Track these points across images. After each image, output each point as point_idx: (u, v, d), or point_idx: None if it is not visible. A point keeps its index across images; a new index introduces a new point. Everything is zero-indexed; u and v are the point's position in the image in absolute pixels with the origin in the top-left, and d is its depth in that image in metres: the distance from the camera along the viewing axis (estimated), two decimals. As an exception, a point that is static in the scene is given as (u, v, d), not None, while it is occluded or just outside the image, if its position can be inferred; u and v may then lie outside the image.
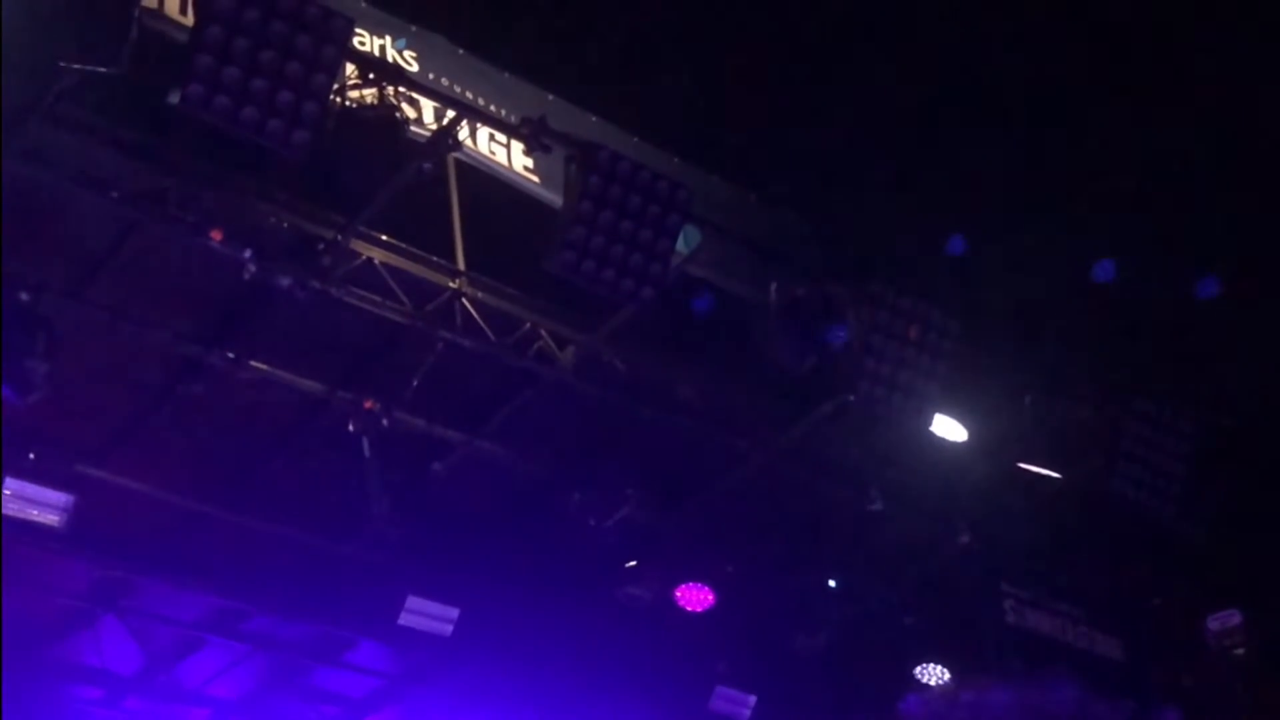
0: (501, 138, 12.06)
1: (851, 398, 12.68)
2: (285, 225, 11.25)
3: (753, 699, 15.78)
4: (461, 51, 12.03)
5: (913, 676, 15.51)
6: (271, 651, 15.68)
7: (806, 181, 13.13)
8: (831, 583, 14.92)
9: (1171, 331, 14.11)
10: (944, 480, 14.00)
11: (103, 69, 9.83)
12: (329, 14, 10.05)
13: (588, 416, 13.32)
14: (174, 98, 9.78)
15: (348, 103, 10.70)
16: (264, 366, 12.19)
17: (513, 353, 12.37)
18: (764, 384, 13.27)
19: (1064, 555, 15.26)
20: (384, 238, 11.79)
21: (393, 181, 11.07)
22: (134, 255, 11.51)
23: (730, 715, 15.79)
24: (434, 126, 11.38)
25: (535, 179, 12.22)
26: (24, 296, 11.05)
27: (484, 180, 12.11)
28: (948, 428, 13.39)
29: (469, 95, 11.75)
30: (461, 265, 12.07)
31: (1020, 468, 14.11)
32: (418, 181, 11.16)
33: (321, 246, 11.36)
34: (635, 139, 12.43)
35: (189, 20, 10.18)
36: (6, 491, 12.07)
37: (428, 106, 11.56)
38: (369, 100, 10.78)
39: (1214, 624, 15.28)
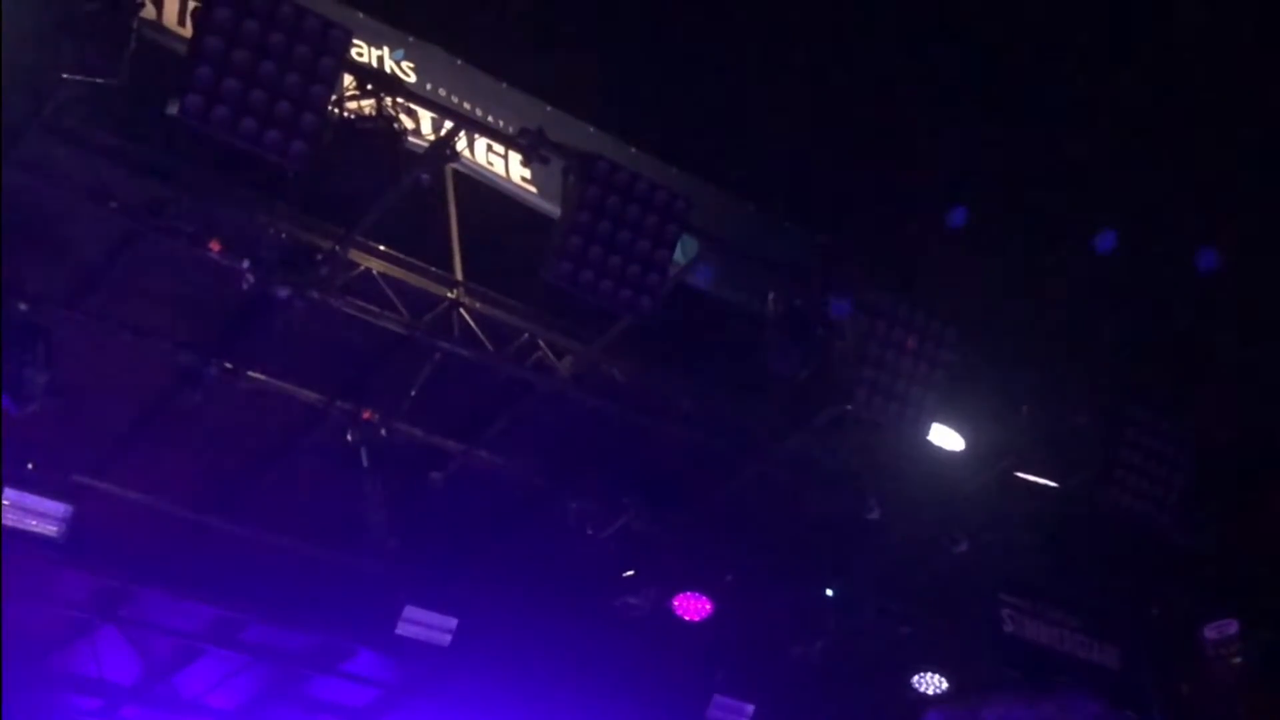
0: (499, 148, 12.10)
1: (849, 407, 12.70)
2: (283, 236, 11.26)
3: (750, 708, 15.78)
4: (459, 62, 12.07)
5: (910, 686, 15.52)
6: (270, 661, 15.68)
7: (805, 192, 13.17)
8: (829, 592, 14.93)
9: (1168, 341, 14.15)
10: (941, 489, 14.01)
11: (102, 80, 9.85)
12: (327, 25, 10.08)
13: (586, 426, 13.32)
14: (173, 109, 9.82)
15: (346, 113, 10.74)
16: (262, 377, 12.20)
17: (511, 363, 12.39)
18: (762, 393, 13.28)
19: (1061, 564, 15.26)
20: (382, 248, 11.81)
21: (391, 192, 11.09)
22: (132, 265, 11.52)
23: (728, 724, 15.79)
24: (432, 137, 11.41)
25: (533, 189, 12.26)
26: (23, 306, 11.06)
27: (482, 191, 12.14)
28: (945, 437, 13.41)
29: (467, 106, 11.79)
30: (459, 275, 12.10)
31: (1017, 477, 14.12)
32: (416, 192, 11.19)
33: (319, 257, 11.38)
34: (633, 149, 12.47)
35: (188, 32, 10.23)
36: (5, 502, 12.07)
37: (425, 117, 11.60)
38: (367, 111, 10.81)
39: (1211, 633, 15.29)
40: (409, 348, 12.18)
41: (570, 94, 12.31)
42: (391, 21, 11.86)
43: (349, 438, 12.48)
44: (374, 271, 11.77)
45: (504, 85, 12.17)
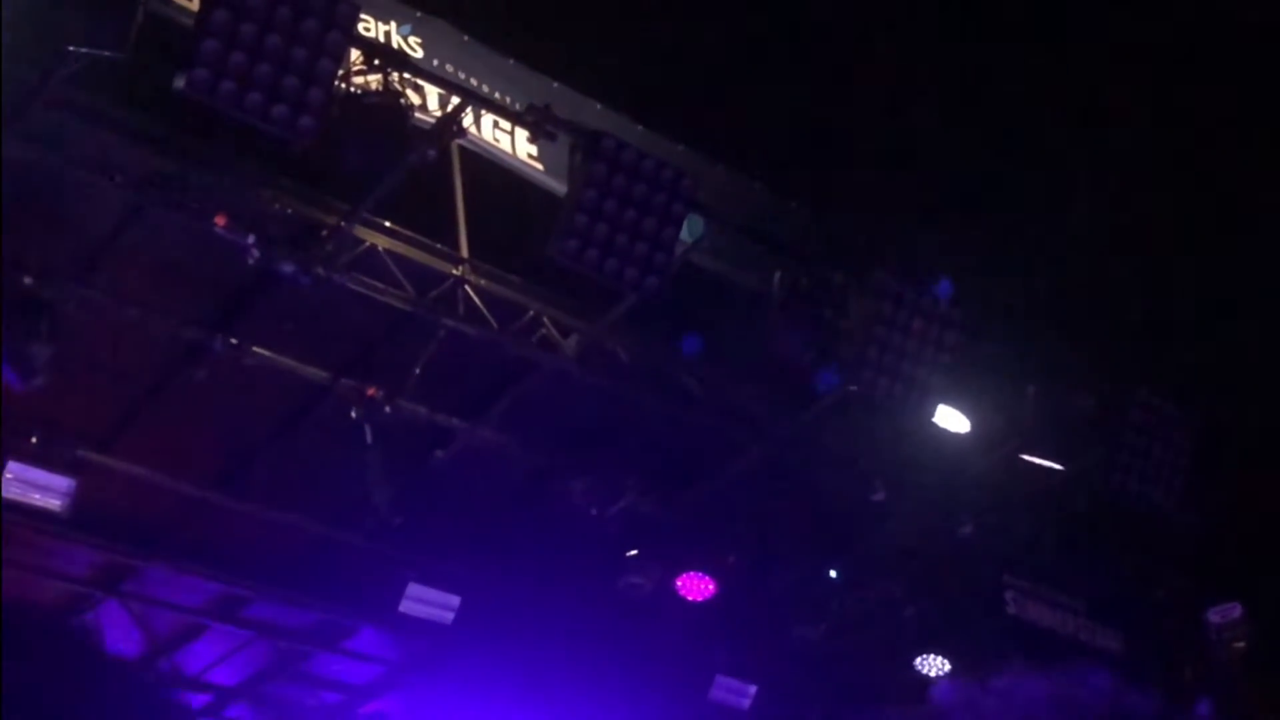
0: (506, 125, 12.06)
1: (854, 388, 12.67)
2: (289, 211, 11.24)
3: (753, 688, 15.79)
4: (466, 38, 12.02)
5: (913, 667, 15.51)
6: (273, 638, 15.70)
7: (811, 171, 13.13)
8: (833, 573, 14.92)
9: (1172, 323, 14.12)
10: (946, 471, 13.99)
11: (108, 54, 9.81)
12: (334, 0, 10.04)
13: (590, 405, 13.31)
14: (179, 83, 9.78)
15: (352, 89, 10.69)
16: (266, 353, 12.19)
17: (515, 341, 12.37)
18: (766, 374, 13.25)
19: (1065, 547, 15.25)
20: (387, 224, 11.79)
21: (397, 168, 11.05)
22: (137, 240, 11.50)
23: (731, 705, 15.80)
24: (438, 113, 11.38)
25: (539, 166, 12.22)
26: (27, 281, 11.04)
27: (488, 167, 12.11)
28: (950, 419, 13.37)
29: (473, 82, 11.75)
30: (465, 252, 12.07)
31: (1022, 459, 14.10)
32: (421, 168, 11.15)
33: (325, 233, 11.36)
34: (640, 127, 12.43)
35: (194, 5, 10.18)
36: (9, 475, 12.07)
37: (432, 93, 11.56)
38: (373, 86, 10.77)
39: (1215, 616, 15.28)
40: (414, 325, 12.16)
41: (577, 71, 12.27)
42: (398, -3, 11.83)
43: (353, 415, 12.47)
44: (379, 248, 11.74)
45: (511, 62, 12.13)
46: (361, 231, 11.60)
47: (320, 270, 11.31)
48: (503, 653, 14.99)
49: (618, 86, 12.42)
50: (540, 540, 14.27)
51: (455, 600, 13.96)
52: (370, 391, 12.45)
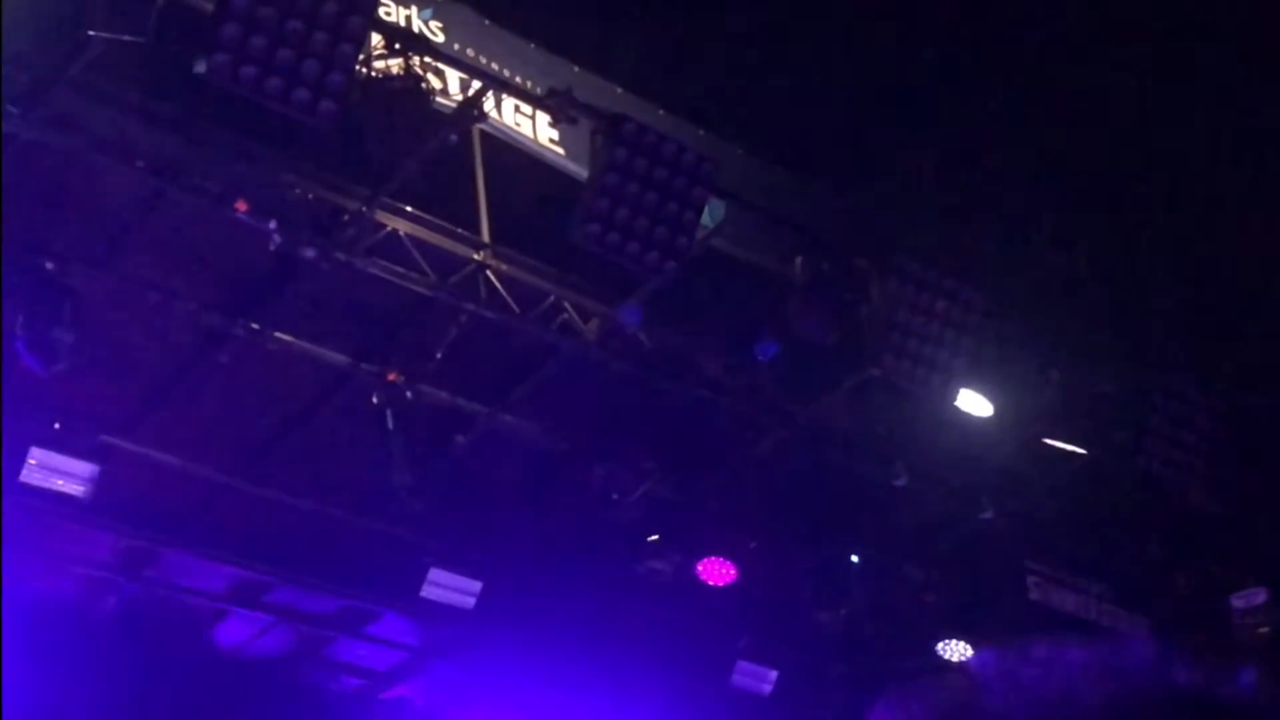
0: (527, 109, 12.05)
1: (876, 372, 12.64)
2: (310, 196, 11.24)
3: (774, 674, 15.79)
4: (488, 22, 12.02)
5: (934, 652, 15.49)
6: (295, 623, 15.71)
7: (832, 155, 13.10)
8: (854, 558, 14.89)
9: (1198, 308, 14.06)
10: (968, 455, 13.96)
11: (129, 38, 9.81)
12: (355, -17, 10.03)
13: (611, 390, 13.29)
14: (200, 67, 9.77)
15: (373, 73, 10.68)
16: (288, 338, 12.19)
17: (537, 325, 12.36)
18: (788, 358, 13.22)
19: (1088, 532, 15.21)
20: (408, 209, 11.77)
21: (418, 153, 11.04)
22: (159, 225, 11.51)
23: (752, 690, 15.80)
24: (459, 97, 11.36)
25: (560, 151, 12.21)
26: (50, 266, 11.05)
27: (509, 152, 12.10)
28: (973, 403, 13.33)
29: (495, 66, 11.74)
30: (486, 237, 12.05)
31: (1045, 443, 14.06)
32: (443, 153, 11.14)
33: (346, 218, 11.35)
34: (661, 111, 12.41)
35: (215, -10, 10.16)
36: (31, 461, 12.09)
37: (453, 77, 11.55)
38: (395, 71, 10.76)
39: (1239, 602, 15.22)
40: (435, 310, 12.16)
41: (598, 55, 12.25)
42: (420, -19, 11.82)
43: (374, 400, 12.47)
44: (400, 233, 11.73)
45: (532, 46, 12.12)
46: (383, 216, 11.59)
47: (341, 255, 11.32)
48: (524, 638, 15.00)
49: (639, 70, 12.40)
50: (561, 525, 14.28)
51: (477, 585, 13.97)
52: (391, 376, 12.45)
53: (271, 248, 11.10)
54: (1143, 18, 12.41)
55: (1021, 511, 14.63)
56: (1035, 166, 13.48)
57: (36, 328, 11.03)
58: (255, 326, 11.97)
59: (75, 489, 12.28)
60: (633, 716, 15.89)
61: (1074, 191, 13.66)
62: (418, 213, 11.82)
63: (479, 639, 15.20)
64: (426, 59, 10.91)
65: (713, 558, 14.71)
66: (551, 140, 12.15)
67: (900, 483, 13.96)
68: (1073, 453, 14.08)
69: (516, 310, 12.19)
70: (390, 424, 12.51)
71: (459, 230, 12.01)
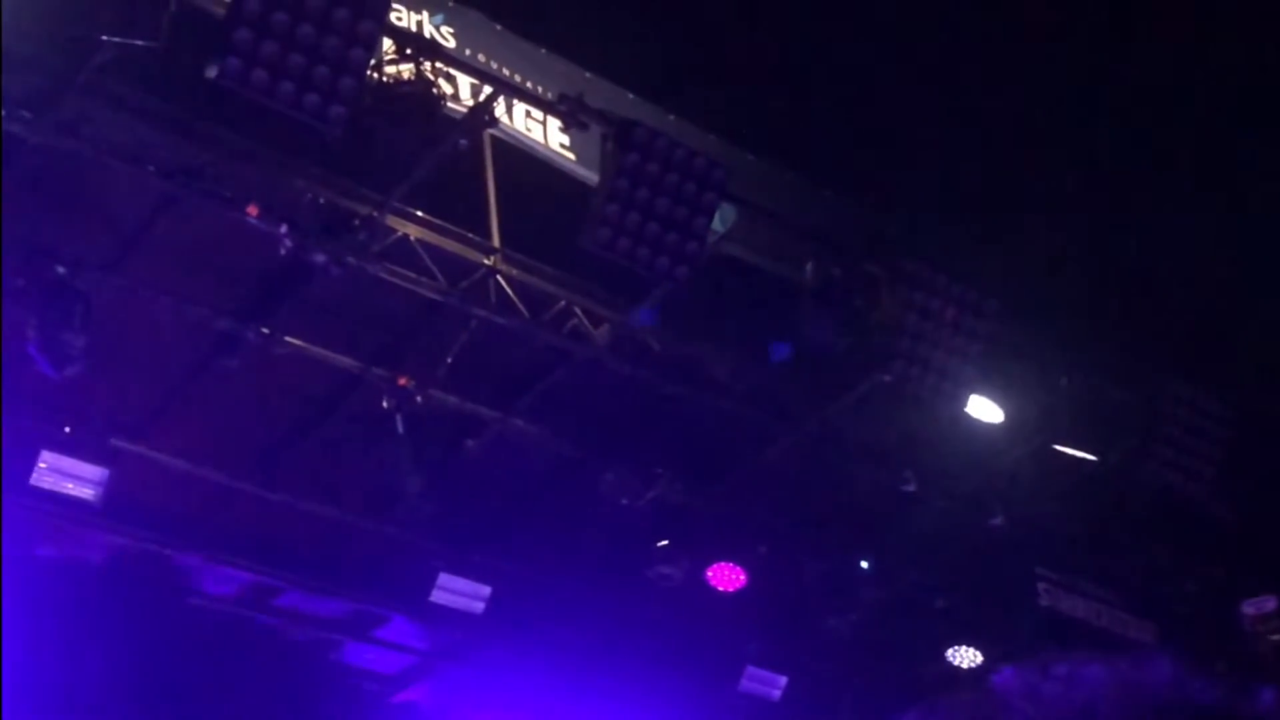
0: (538, 114, 12.04)
1: (887, 378, 12.63)
2: (321, 201, 11.24)
3: (783, 680, 15.77)
4: (499, 27, 12.02)
5: (944, 659, 15.47)
6: (304, 627, 15.71)
7: (843, 160, 13.09)
8: (864, 564, 14.88)
9: (1207, 314, 14.04)
10: (978, 462, 13.94)
11: (141, 43, 9.83)
12: (367, -11, 10.05)
13: (621, 395, 13.29)
14: (211, 72, 9.79)
15: (384, 78, 10.68)
16: (299, 342, 12.20)
17: (547, 330, 12.36)
18: (798, 364, 13.22)
19: (1098, 538, 15.19)
20: (419, 214, 11.78)
21: (429, 158, 11.06)
22: (170, 230, 11.52)
23: (761, 696, 15.78)
24: (470, 103, 11.37)
25: (571, 156, 12.21)
26: (61, 270, 11.07)
27: (520, 157, 12.09)
28: (983, 409, 13.33)
29: (506, 72, 11.73)
30: (497, 242, 12.06)
31: (1055, 450, 14.04)
32: (454, 158, 11.15)
33: (357, 222, 11.35)
34: (672, 116, 12.41)
35: (227, -6, 10.17)
36: (42, 464, 12.11)
37: (464, 82, 11.55)
38: (406, 76, 10.76)
39: (1249, 609, 15.20)
40: (445, 314, 12.16)
41: (609, 61, 12.25)
42: (431, -14, 11.81)
43: (385, 404, 12.47)
44: (411, 238, 11.74)
45: (543, 51, 12.12)
46: (393, 221, 11.60)
47: (352, 260, 11.32)
48: (533, 643, 15.00)
49: (650, 76, 12.40)
50: (571, 530, 14.27)
51: (486, 590, 13.97)
52: (401, 381, 12.46)
53: (282, 252, 11.10)
54: (1158, 16, 12.41)
55: (1031, 518, 14.61)
56: (1047, 173, 13.47)
57: (48, 331, 11.05)
58: (266, 331, 11.98)
59: (86, 493, 12.29)
60: (641, 721, 15.90)
61: (1086, 198, 13.65)
62: (428, 217, 11.83)
63: (488, 643, 15.20)
64: (438, 64, 10.92)
65: (722, 563, 14.70)
66: (562, 145, 12.15)
67: (910, 488, 13.95)
68: (1083, 459, 14.07)
69: (527, 315, 12.19)
70: (400, 428, 12.52)
71: (469, 235, 12.01)
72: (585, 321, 12.50)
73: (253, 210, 10.91)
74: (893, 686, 16.09)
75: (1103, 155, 13.62)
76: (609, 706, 15.89)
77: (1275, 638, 15.05)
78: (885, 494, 14.15)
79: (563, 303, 12.38)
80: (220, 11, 10.08)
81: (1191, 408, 13.75)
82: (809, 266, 12.35)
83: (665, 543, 14.36)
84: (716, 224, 11.86)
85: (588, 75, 12.10)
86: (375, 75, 10.58)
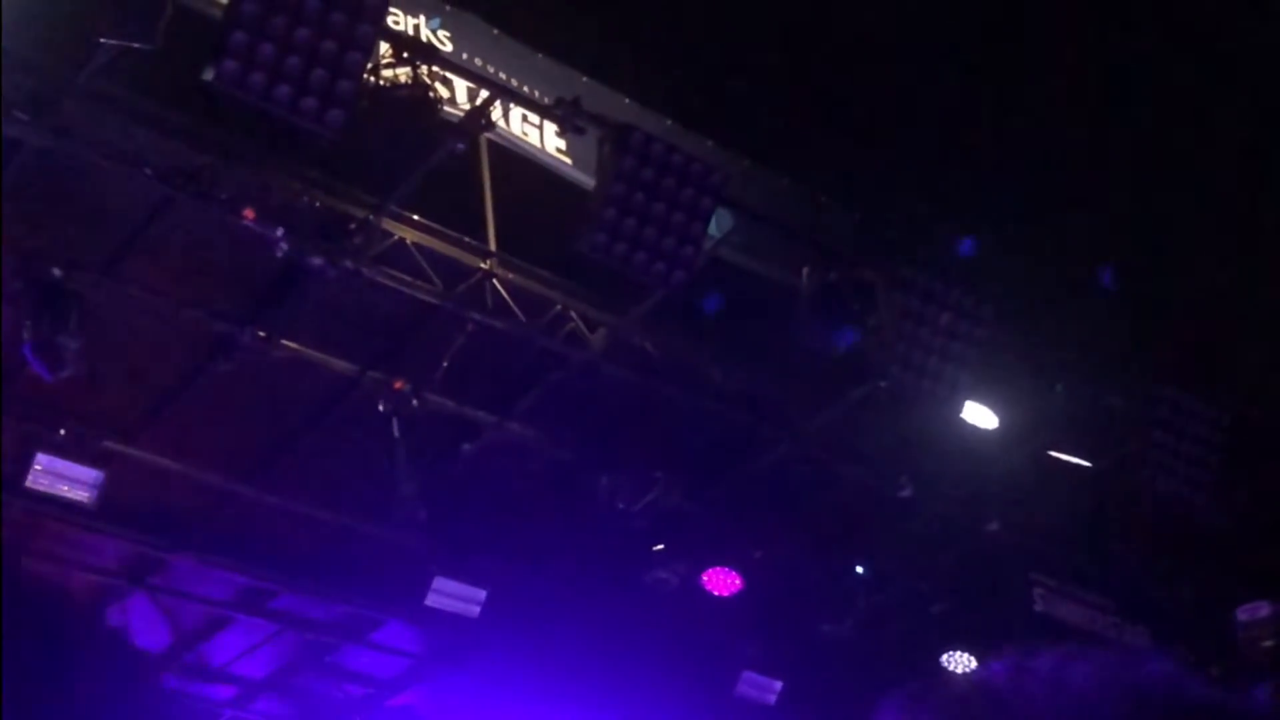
0: (534, 119, 12.05)
1: (883, 384, 12.64)
2: (317, 204, 11.25)
3: (779, 684, 15.77)
4: (496, 32, 12.02)
5: (940, 664, 15.47)
6: (299, 631, 15.73)
7: (840, 165, 13.09)
8: (860, 569, 14.89)
9: (1204, 319, 14.04)
10: (974, 468, 13.95)
11: (137, 45, 9.82)
12: (364, -8, 10.05)
13: (618, 399, 13.30)
14: (208, 74, 9.79)
15: (381, 82, 10.69)
16: (295, 346, 12.20)
17: (543, 334, 12.36)
18: (795, 369, 13.23)
19: (1094, 544, 15.19)
20: (416, 218, 11.78)
21: (425, 161, 11.06)
22: (166, 232, 11.52)
23: (756, 700, 15.78)
24: (467, 106, 11.37)
25: (568, 160, 12.21)
26: (56, 272, 11.07)
27: (516, 161, 12.10)
28: (979, 415, 13.33)
29: (502, 75, 11.74)
30: (493, 246, 12.06)
31: (1051, 456, 14.05)
32: (450, 162, 11.15)
33: (353, 226, 11.36)
34: (669, 121, 12.41)
35: (224, -3, 10.18)
36: (37, 467, 12.11)
37: (461, 86, 11.56)
38: (402, 79, 10.77)
39: (1243, 615, 15.20)
40: (441, 318, 12.16)
41: (607, 65, 12.26)
42: (428, -10, 11.82)
43: (380, 408, 12.47)
44: (407, 241, 11.74)
45: (540, 56, 12.12)
46: (390, 224, 11.60)
47: (348, 263, 11.32)
48: (529, 647, 15.00)
49: (647, 81, 12.40)
50: (567, 534, 14.27)
51: (481, 594, 13.96)
52: (397, 384, 12.46)
53: (278, 255, 11.10)
54: (1159, 22, 12.41)
55: (1027, 524, 14.62)
56: (1044, 180, 13.47)
57: (43, 333, 11.05)
58: (261, 334, 11.97)
59: (81, 495, 12.29)
60: (636, 726, 15.90)
61: (1083, 205, 13.65)
62: (425, 221, 11.83)
63: (483, 647, 15.20)
64: (435, 68, 10.93)
65: (718, 568, 14.71)
66: (559, 150, 12.16)
67: (906, 494, 13.96)
68: (1078, 465, 14.07)
69: (523, 319, 12.19)
70: (396, 432, 12.52)
71: (466, 239, 12.02)
72: (582, 326, 12.50)
73: (249, 213, 10.91)
74: (888, 691, 16.06)
75: (1100, 160, 13.62)
76: (604, 711, 15.89)
77: (1268, 644, 15.06)
78: (881, 499, 14.15)
79: (559, 307, 12.38)
80: (217, 14, 10.09)
81: (1187, 414, 13.75)
82: (805, 272, 12.36)
83: (661, 547, 14.37)
84: (713, 229, 11.86)
85: (584, 79, 12.11)
86: (372, 79, 10.58)
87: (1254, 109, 13.02)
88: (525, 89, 11.84)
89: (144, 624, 15.20)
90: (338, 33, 9.92)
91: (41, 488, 12.17)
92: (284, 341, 12.11)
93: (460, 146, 11.05)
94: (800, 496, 14.57)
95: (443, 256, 11.89)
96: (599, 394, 13.23)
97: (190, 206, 11.08)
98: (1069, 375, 13.78)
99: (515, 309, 12.15)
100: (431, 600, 13.87)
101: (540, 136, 12.12)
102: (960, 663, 15.37)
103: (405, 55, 10.81)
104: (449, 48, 11.65)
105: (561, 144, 12.12)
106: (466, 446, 13.29)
